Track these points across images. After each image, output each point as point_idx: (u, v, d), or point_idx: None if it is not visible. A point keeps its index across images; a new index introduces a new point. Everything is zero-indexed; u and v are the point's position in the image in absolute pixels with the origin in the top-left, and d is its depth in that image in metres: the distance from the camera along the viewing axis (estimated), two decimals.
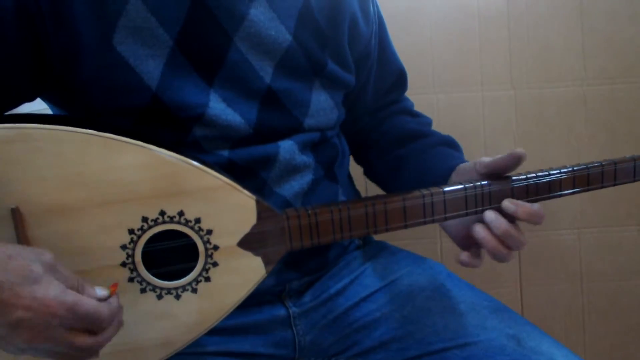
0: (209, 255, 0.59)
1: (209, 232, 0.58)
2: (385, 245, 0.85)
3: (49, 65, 0.60)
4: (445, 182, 0.71)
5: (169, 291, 0.59)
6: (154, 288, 0.58)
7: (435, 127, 0.85)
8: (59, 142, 0.53)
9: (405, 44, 1.07)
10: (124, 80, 0.60)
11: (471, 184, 0.64)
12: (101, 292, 0.50)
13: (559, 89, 1.13)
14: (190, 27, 0.62)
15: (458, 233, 0.70)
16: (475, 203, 0.64)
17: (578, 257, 1.18)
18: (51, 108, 0.70)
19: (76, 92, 0.62)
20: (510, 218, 0.63)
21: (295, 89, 0.69)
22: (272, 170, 0.68)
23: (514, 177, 0.64)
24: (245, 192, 0.58)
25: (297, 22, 0.67)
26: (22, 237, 0.53)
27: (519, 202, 0.63)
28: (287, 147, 0.69)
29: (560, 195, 0.66)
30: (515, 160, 0.62)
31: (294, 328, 0.73)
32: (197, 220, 0.57)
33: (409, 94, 0.90)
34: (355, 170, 0.88)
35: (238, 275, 0.60)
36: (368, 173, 0.89)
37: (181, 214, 0.57)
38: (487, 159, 0.64)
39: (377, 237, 0.88)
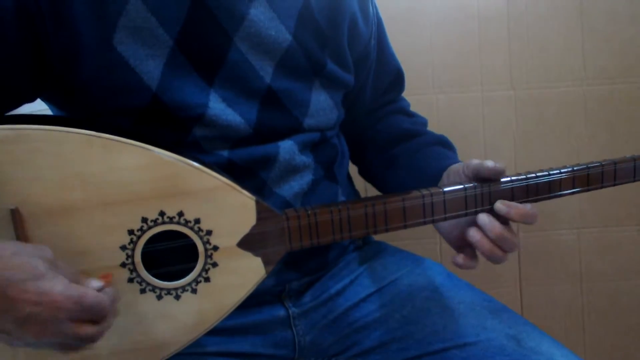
0: (208, 256, 0.59)
1: (209, 232, 0.58)
2: (384, 246, 0.85)
3: (49, 65, 0.60)
4: (437, 182, 0.71)
5: (168, 292, 0.59)
6: (153, 288, 0.58)
7: (435, 127, 0.85)
8: (58, 142, 0.53)
9: (405, 44, 1.07)
10: (124, 80, 0.61)
11: (471, 184, 0.64)
12: (96, 283, 0.51)
13: (558, 89, 1.13)
14: (190, 27, 0.62)
15: (451, 233, 0.70)
16: (475, 203, 0.64)
17: (578, 257, 1.18)
18: (51, 109, 0.70)
19: (76, 92, 0.62)
20: (504, 219, 0.63)
21: (295, 88, 0.69)
22: (272, 171, 0.68)
23: (513, 178, 0.64)
24: (245, 192, 0.59)
25: (297, 22, 0.67)
26: (22, 237, 0.53)
27: (512, 203, 0.63)
28: (287, 148, 0.69)
29: (560, 196, 0.66)
30: (497, 176, 0.63)
31: (293, 328, 0.73)
32: (197, 221, 0.57)
33: (409, 94, 0.90)
34: (355, 170, 0.88)
35: (238, 275, 0.60)
36: (362, 172, 0.89)
37: (181, 214, 0.57)
38: (474, 162, 0.65)
39: (376, 238, 0.88)
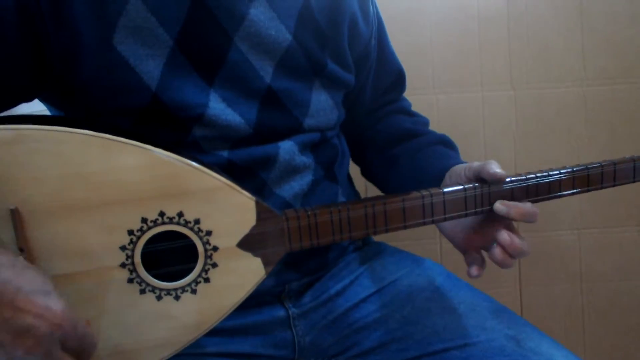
0: (208, 256, 0.59)
1: (209, 233, 0.58)
2: (384, 246, 0.85)
3: (49, 65, 0.60)
4: (439, 182, 0.71)
5: (168, 292, 0.59)
6: (153, 289, 0.58)
7: (435, 127, 0.85)
8: (58, 142, 0.53)
9: (405, 44, 1.07)
10: (124, 80, 0.60)
11: (471, 185, 0.64)
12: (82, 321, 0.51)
13: (558, 90, 1.13)
14: (190, 27, 0.62)
15: (455, 236, 0.70)
16: (475, 204, 0.64)
17: (578, 258, 1.18)
18: (49, 109, 0.69)
19: (76, 92, 0.62)
20: (505, 220, 0.63)
21: (295, 88, 0.69)
22: (272, 171, 0.68)
23: (513, 178, 0.64)
24: (245, 193, 0.58)
25: (297, 22, 0.67)
26: (21, 237, 0.53)
27: (511, 203, 0.63)
28: (287, 148, 0.69)
29: (560, 196, 0.66)
30: (497, 182, 0.64)
31: (293, 329, 0.73)
32: (197, 221, 0.57)
33: (409, 94, 0.90)
34: (355, 170, 0.88)
35: (237, 276, 0.59)
36: (364, 172, 0.89)
37: (180, 214, 0.57)
38: (475, 164, 0.65)
39: (376, 238, 0.88)
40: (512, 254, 0.63)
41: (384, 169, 0.82)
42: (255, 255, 0.60)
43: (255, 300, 0.69)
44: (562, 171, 0.65)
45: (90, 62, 0.59)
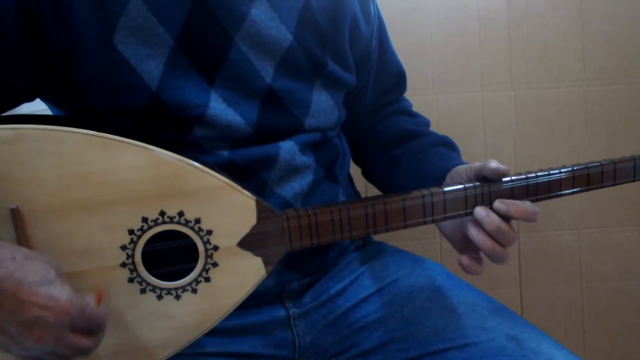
0: (208, 256, 0.59)
1: (209, 232, 0.58)
2: (385, 246, 0.85)
3: (49, 65, 0.60)
4: (441, 184, 0.71)
5: (168, 291, 0.59)
6: (153, 288, 0.58)
7: (434, 127, 0.85)
8: (58, 142, 0.53)
9: (405, 44, 1.07)
10: (124, 80, 0.60)
11: (471, 184, 0.64)
12: (92, 299, 0.52)
13: (558, 90, 1.13)
14: (191, 26, 0.62)
15: (454, 234, 0.70)
16: (475, 203, 0.64)
17: (578, 258, 1.18)
18: (51, 109, 0.69)
19: (76, 92, 0.62)
20: (505, 219, 0.63)
21: (296, 89, 0.69)
22: (273, 171, 0.68)
23: (513, 177, 0.64)
24: (246, 192, 0.58)
25: (298, 22, 0.67)
26: (22, 237, 0.53)
27: (510, 201, 0.63)
28: (287, 148, 0.69)
29: (560, 195, 0.66)
30: (499, 177, 0.63)
31: (293, 329, 0.73)
32: (197, 221, 0.57)
33: (409, 94, 0.90)
34: (355, 170, 0.88)
35: (238, 275, 0.59)
36: (365, 173, 0.89)
37: (181, 214, 0.57)
38: (476, 165, 0.65)
39: (376, 238, 0.88)
40: (491, 232, 0.61)
41: (385, 170, 0.82)
42: (256, 254, 0.60)
43: (255, 300, 0.69)
44: (562, 170, 0.65)
45: (91, 62, 0.59)
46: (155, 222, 0.57)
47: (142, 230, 0.56)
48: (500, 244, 0.62)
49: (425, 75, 1.12)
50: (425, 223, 0.63)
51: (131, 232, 0.56)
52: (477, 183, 0.64)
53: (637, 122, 1.14)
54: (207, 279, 0.59)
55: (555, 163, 0.68)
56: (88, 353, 0.51)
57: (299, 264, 0.73)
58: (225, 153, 0.66)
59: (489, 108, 1.13)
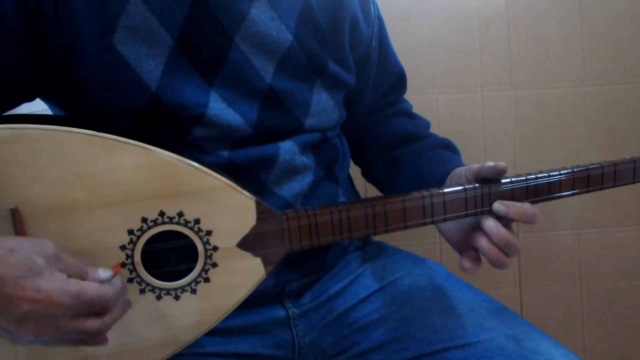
0: (208, 256, 0.59)
1: (209, 232, 0.58)
2: (384, 246, 0.85)
3: (49, 64, 0.60)
4: (441, 186, 0.71)
5: (168, 292, 0.59)
6: (153, 289, 0.58)
7: (434, 128, 0.85)
8: (58, 142, 0.53)
9: (404, 44, 1.07)
10: (124, 80, 0.60)
11: (471, 186, 0.64)
12: (104, 273, 0.52)
13: (558, 90, 1.13)
14: (190, 26, 0.62)
15: (453, 236, 0.70)
16: (475, 204, 0.64)
17: (577, 258, 1.18)
18: (51, 108, 0.69)
19: (76, 91, 0.62)
20: (505, 220, 0.63)
21: (296, 89, 0.69)
22: (272, 171, 0.68)
23: (513, 179, 0.64)
24: (245, 193, 0.58)
25: (298, 22, 0.67)
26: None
27: (510, 203, 0.63)
28: (287, 148, 0.69)
29: (560, 197, 0.66)
30: (498, 174, 0.63)
31: (293, 329, 0.73)
32: (197, 221, 0.57)
33: (408, 94, 0.90)
34: (355, 170, 0.88)
35: (237, 276, 0.59)
36: (365, 174, 0.89)
37: (181, 214, 0.57)
38: (476, 166, 0.65)
39: (376, 238, 0.88)
40: (499, 244, 0.62)
41: (385, 171, 0.82)
42: (255, 255, 0.60)
43: (255, 300, 0.69)
44: (562, 172, 0.65)
45: (91, 62, 0.59)
46: (155, 223, 0.57)
47: (142, 231, 0.56)
48: (506, 254, 0.63)
49: (425, 75, 1.12)
50: (425, 224, 0.63)
51: (131, 232, 0.56)
52: (477, 184, 0.64)
53: (637, 123, 1.14)
54: (207, 280, 0.59)
55: (555, 163, 0.69)
56: (102, 333, 0.51)
57: (298, 264, 0.73)
58: (225, 153, 0.66)
59: (488, 108, 1.13)
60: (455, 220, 0.64)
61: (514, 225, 0.65)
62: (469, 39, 1.12)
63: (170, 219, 0.57)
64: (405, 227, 0.63)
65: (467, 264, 0.65)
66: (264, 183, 0.68)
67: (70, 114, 0.66)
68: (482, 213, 0.64)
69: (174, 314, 0.59)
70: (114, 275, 0.52)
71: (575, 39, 1.12)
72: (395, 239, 0.95)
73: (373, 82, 0.82)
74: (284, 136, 0.69)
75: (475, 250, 0.65)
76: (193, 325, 0.60)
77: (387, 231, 0.63)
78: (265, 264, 0.60)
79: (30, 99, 0.64)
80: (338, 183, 0.77)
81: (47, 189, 0.53)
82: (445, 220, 0.64)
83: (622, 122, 1.14)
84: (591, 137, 1.14)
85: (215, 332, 0.64)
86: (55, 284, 0.47)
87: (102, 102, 0.62)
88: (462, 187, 0.63)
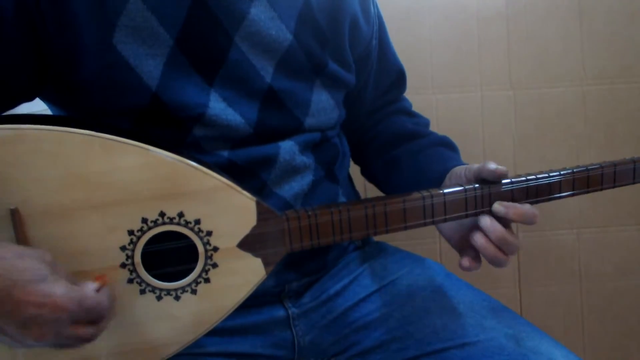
0: (208, 257, 0.59)
1: (209, 233, 0.58)
2: (384, 246, 0.85)
3: (49, 64, 0.60)
4: (440, 184, 0.71)
5: (168, 292, 0.59)
6: (153, 289, 0.58)
7: (433, 127, 0.85)
8: (58, 143, 0.53)
9: (404, 44, 1.07)
10: (124, 80, 0.60)
11: (471, 186, 0.64)
12: (93, 285, 0.52)
13: (558, 90, 1.13)
14: (190, 26, 0.61)
15: (453, 235, 0.70)
16: (475, 205, 0.64)
17: (577, 257, 1.18)
18: (50, 108, 0.69)
19: (76, 91, 0.62)
20: (504, 221, 0.63)
21: (296, 88, 0.69)
22: (272, 171, 0.68)
23: (513, 179, 0.64)
24: (245, 193, 0.58)
25: (298, 22, 0.67)
26: (21, 238, 0.53)
27: (509, 204, 0.63)
28: (287, 148, 0.69)
29: (560, 197, 0.66)
30: (498, 178, 0.63)
31: (293, 329, 0.73)
32: (197, 222, 0.57)
33: (408, 94, 0.90)
34: (355, 170, 0.88)
35: (238, 276, 0.60)
36: (365, 173, 0.89)
37: (181, 215, 0.57)
38: (476, 166, 0.65)
39: (376, 238, 0.88)
40: (496, 242, 0.62)
41: (384, 169, 0.82)
42: (256, 255, 0.60)
43: (255, 300, 0.69)
44: (562, 172, 0.65)
45: (90, 62, 0.59)
46: (155, 223, 0.56)
47: (142, 231, 0.56)
48: (504, 252, 0.63)
49: (425, 75, 1.12)
50: (425, 225, 0.63)
51: (131, 232, 0.56)
52: (477, 185, 0.64)
53: (637, 122, 1.14)
54: (207, 280, 0.59)
55: (555, 163, 0.69)
56: (92, 339, 0.51)
57: (298, 264, 0.73)
58: (225, 153, 0.66)
59: (488, 108, 1.13)
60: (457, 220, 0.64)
61: (513, 224, 0.65)
62: (469, 38, 1.12)
63: (171, 219, 0.57)
64: (406, 228, 0.63)
65: (466, 263, 0.65)
66: (264, 183, 0.68)
67: (70, 113, 0.66)
68: (483, 214, 0.64)
69: (175, 314, 0.59)
70: (102, 286, 0.52)
71: (575, 38, 1.12)
72: (395, 239, 0.95)
73: (373, 81, 0.82)
74: (284, 136, 0.69)
75: (475, 249, 0.65)
76: (193, 325, 0.60)
77: (387, 231, 0.63)
78: (266, 264, 0.60)
79: (30, 99, 0.64)
80: (338, 183, 0.77)
81: (47, 189, 0.53)
82: (445, 220, 0.64)
83: (622, 121, 1.14)
84: (591, 137, 1.14)
85: (215, 332, 0.64)
86: (61, 290, 0.48)
87: (102, 102, 0.62)
88: (462, 188, 0.63)
